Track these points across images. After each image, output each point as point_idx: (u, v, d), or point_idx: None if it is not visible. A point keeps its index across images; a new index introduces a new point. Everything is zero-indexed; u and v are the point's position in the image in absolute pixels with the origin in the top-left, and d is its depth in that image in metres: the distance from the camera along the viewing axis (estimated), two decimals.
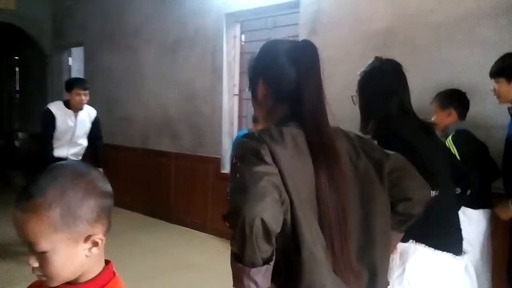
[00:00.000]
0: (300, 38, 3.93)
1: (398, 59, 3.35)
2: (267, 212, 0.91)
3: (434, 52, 3.20)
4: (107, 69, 6.20)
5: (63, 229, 0.81)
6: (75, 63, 7.53)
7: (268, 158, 1.00)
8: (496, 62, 2.39)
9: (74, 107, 4.00)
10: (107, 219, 0.89)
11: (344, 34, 3.68)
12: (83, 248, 0.85)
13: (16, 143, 7.31)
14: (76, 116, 4.03)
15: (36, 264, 0.83)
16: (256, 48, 4.61)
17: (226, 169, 4.76)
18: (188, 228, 5.04)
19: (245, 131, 4.49)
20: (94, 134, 4.22)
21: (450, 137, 2.49)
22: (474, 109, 2.75)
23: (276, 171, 0.99)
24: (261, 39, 4.56)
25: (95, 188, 0.86)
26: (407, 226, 1.28)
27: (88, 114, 4.16)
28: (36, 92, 7.77)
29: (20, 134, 7.75)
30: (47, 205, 0.80)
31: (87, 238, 0.85)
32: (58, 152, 3.95)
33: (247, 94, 4.49)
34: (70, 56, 7.46)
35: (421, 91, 3.29)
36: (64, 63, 7.45)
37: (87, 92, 4.02)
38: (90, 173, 0.88)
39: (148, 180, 5.58)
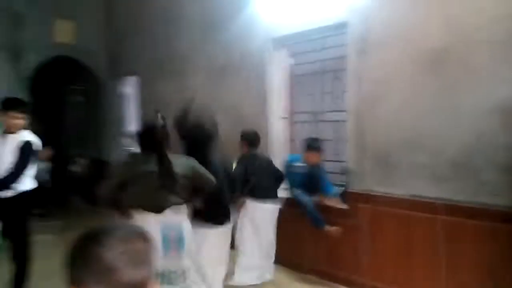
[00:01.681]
0: (349, 59, 3.87)
1: (452, 79, 3.22)
2: None
3: (491, 70, 3.01)
4: (159, 95, 6.41)
5: None
6: (130, 91, 7.87)
7: None
8: None
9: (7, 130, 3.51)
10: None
11: (394, 54, 3.56)
12: None
13: (75, 168, 7.66)
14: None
15: None
16: (303, 71, 4.59)
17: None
18: None
19: (295, 155, 4.42)
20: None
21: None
22: None
23: None
24: (309, 61, 4.54)
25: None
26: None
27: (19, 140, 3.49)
28: (95, 120, 8.16)
29: (79, 160, 8.11)
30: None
31: None
32: None
33: (296, 117, 4.45)
34: (125, 85, 7.80)
35: (476, 111, 3.11)
36: (119, 91, 7.80)
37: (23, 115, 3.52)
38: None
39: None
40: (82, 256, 0.87)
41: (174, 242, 2.53)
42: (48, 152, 5.12)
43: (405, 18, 3.49)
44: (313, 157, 4.11)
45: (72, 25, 7.35)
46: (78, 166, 7.54)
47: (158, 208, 2.50)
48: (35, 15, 6.98)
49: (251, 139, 4.20)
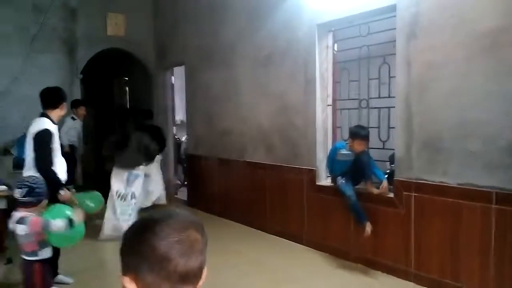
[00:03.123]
0: (398, 44, 3.76)
1: (508, 61, 3.05)
2: None
3: None
4: (206, 85, 6.53)
5: None
6: (177, 81, 8.07)
7: None
8: None
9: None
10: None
11: (447, 37, 3.42)
12: None
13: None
14: None
15: None
16: (348, 56, 4.53)
17: (321, 180, 4.69)
18: (285, 239, 5.04)
19: (342, 143, 4.38)
20: None
21: None
22: None
23: None
24: (354, 46, 4.46)
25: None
26: None
27: None
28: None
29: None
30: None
31: None
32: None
33: (341, 104, 4.42)
34: (173, 75, 8.01)
35: None
36: (168, 81, 8.02)
37: None
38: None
39: (245, 191, 5.72)
40: (136, 245, 0.87)
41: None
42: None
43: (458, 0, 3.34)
44: (359, 145, 4.06)
45: (123, 18, 7.61)
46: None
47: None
48: (88, 9, 7.30)
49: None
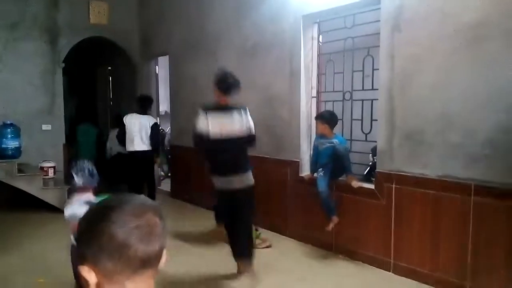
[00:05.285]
0: (382, 36, 3.78)
1: (494, 53, 3.09)
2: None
3: None
4: (191, 75, 6.47)
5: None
6: (161, 71, 7.98)
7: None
8: None
9: None
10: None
11: (430, 30, 3.45)
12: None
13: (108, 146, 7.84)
14: None
15: None
16: (333, 48, 4.52)
17: (304, 172, 4.71)
18: (268, 231, 5.05)
19: (323, 136, 4.38)
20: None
21: None
22: None
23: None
24: (339, 38, 4.46)
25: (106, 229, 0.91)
26: None
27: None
28: (127, 99, 8.34)
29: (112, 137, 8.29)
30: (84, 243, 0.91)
31: None
32: None
33: (325, 96, 4.42)
34: (157, 65, 7.91)
35: None
36: (152, 71, 7.92)
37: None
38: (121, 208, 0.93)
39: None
40: (93, 234, 0.85)
41: None
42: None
43: None
44: (320, 128, 4.24)
45: (106, 7, 7.48)
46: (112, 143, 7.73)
47: None
48: None
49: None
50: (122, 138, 5.64)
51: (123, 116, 5.75)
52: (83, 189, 2.72)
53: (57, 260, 3.71)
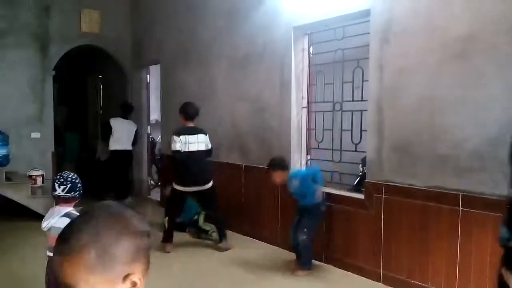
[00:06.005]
0: (371, 48, 3.83)
1: (477, 68, 3.15)
2: None
3: None
4: (181, 84, 6.48)
5: (99, 271, 0.82)
6: (152, 80, 7.98)
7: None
8: None
9: None
10: (145, 258, 0.88)
11: (419, 43, 3.51)
12: None
13: (99, 156, 7.84)
14: None
15: None
16: (324, 59, 4.59)
17: None
18: (258, 241, 5.05)
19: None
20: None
21: None
22: None
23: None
24: (329, 50, 4.52)
25: (130, 227, 0.87)
26: None
27: None
28: (117, 107, 8.31)
29: (103, 147, 8.25)
30: (83, 246, 0.81)
31: (124, 279, 0.84)
32: None
33: (316, 106, 4.46)
34: (148, 74, 7.91)
35: (501, 102, 3.04)
36: (143, 80, 7.91)
37: None
38: (126, 213, 0.89)
39: (220, 191, 5.68)
40: (118, 244, 0.85)
41: None
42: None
43: (430, 6, 3.43)
44: (277, 177, 4.18)
45: (98, 15, 7.48)
46: (102, 153, 7.69)
47: None
48: (62, 5, 7.13)
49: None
50: (107, 137, 7.08)
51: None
52: (64, 201, 2.66)
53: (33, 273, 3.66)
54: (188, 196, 4.82)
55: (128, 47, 7.90)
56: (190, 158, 4.64)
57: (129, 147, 7.16)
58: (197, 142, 4.73)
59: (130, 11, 7.87)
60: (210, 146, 4.90)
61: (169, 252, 4.72)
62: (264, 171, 4.40)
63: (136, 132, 7.24)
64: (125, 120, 7.18)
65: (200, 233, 5.35)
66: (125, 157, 7.16)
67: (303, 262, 4.13)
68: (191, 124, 4.80)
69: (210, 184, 4.79)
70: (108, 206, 0.90)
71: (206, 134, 4.87)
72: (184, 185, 4.70)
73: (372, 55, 3.85)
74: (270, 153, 4.93)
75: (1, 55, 6.60)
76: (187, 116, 4.78)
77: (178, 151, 4.61)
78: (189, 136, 4.69)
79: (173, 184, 4.77)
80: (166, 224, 4.90)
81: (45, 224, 2.63)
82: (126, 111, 7.30)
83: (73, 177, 2.71)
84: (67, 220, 2.57)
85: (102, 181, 7.24)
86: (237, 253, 4.70)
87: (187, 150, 4.63)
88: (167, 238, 4.83)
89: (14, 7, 6.69)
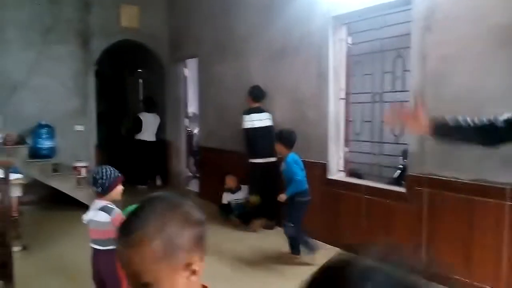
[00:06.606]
0: (413, 37, 3.72)
1: None
2: None
3: None
4: (218, 78, 6.53)
5: (164, 260, 0.85)
6: (190, 73, 8.09)
7: None
8: None
9: None
10: (202, 246, 0.91)
11: (463, 31, 3.37)
12: (182, 277, 0.87)
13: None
14: None
15: None
16: (362, 49, 4.49)
17: (332, 175, 4.67)
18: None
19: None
20: None
21: None
22: None
23: None
24: (368, 40, 4.41)
25: (191, 217, 0.90)
26: None
27: None
28: (157, 100, 8.51)
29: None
30: (149, 237, 0.84)
31: (186, 267, 0.87)
32: None
33: (354, 98, 4.40)
34: (186, 67, 8.03)
35: None
36: (180, 74, 8.04)
37: None
38: (184, 204, 0.92)
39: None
40: (182, 232, 0.91)
41: None
42: None
43: None
44: (278, 149, 4.33)
45: (137, 10, 7.63)
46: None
47: None
48: (102, 1, 7.33)
49: None
50: (139, 130, 7.86)
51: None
52: (99, 195, 2.72)
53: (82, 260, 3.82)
54: (260, 170, 5.26)
55: (165, 42, 8.03)
56: (258, 133, 5.22)
57: (153, 138, 7.92)
58: (263, 119, 5.28)
59: (167, 6, 7.99)
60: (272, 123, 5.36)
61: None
62: None
63: (160, 124, 7.98)
64: (151, 114, 7.97)
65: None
66: (150, 146, 7.90)
67: (292, 252, 4.23)
68: (257, 105, 5.33)
69: (275, 158, 5.16)
70: (167, 198, 0.94)
71: (269, 113, 5.36)
72: (257, 157, 5.25)
73: (414, 44, 3.73)
74: (307, 145, 4.90)
75: (46, 50, 6.86)
76: (254, 98, 5.34)
77: (247, 128, 5.25)
78: (256, 115, 5.27)
79: (249, 159, 5.31)
80: (256, 200, 5.29)
81: (85, 217, 2.73)
82: (150, 105, 8.08)
83: (99, 173, 2.73)
84: (103, 214, 2.66)
85: (133, 168, 7.66)
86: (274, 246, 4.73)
87: (255, 126, 5.22)
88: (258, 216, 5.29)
89: (57, 3, 6.93)
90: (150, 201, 0.92)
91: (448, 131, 1.86)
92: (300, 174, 4.11)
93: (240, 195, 5.74)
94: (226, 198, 5.81)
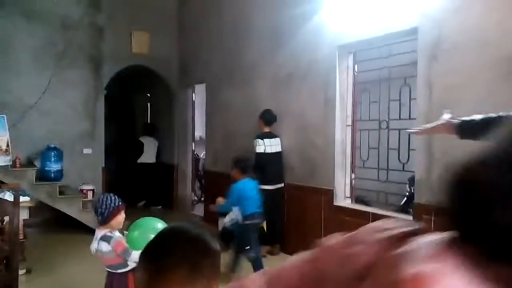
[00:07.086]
0: (419, 66, 3.76)
1: None
2: None
3: None
4: (226, 103, 6.61)
5: (188, 286, 0.90)
6: (198, 98, 8.19)
7: None
8: None
9: None
10: (218, 274, 0.98)
11: (468, 61, 3.41)
12: None
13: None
14: None
15: None
16: (369, 77, 4.54)
17: (338, 201, 4.66)
18: None
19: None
20: None
21: None
22: None
23: None
24: (374, 68, 4.47)
25: (210, 248, 0.98)
26: None
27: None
28: (164, 125, 8.59)
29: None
30: (176, 265, 0.91)
31: None
32: None
33: (361, 124, 4.41)
34: (194, 92, 8.13)
35: None
36: (189, 99, 8.14)
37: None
38: (203, 235, 1.00)
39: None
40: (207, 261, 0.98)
41: None
42: None
43: (480, 23, 3.34)
44: (234, 174, 4.43)
45: (147, 36, 7.80)
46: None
47: None
48: (115, 27, 7.51)
49: None
50: (141, 153, 8.37)
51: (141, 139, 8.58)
52: (100, 224, 2.73)
53: (87, 283, 3.80)
54: (270, 196, 4.98)
55: (175, 67, 8.17)
56: (270, 158, 5.20)
57: (153, 160, 8.52)
58: (276, 145, 5.29)
59: (177, 32, 8.16)
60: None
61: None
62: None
63: (158, 147, 8.59)
64: (150, 138, 8.59)
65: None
66: (150, 168, 8.44)
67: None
68: (268, 129, 5.33)
69: (283, 184, 5.28)
70: (187, 229, 1.01)
71: (279, 138, 5.37)
72: (268, 184, 5.05)
73: (420, 72, 3.78)
74: (314, 172, 4.91)
75: (58, 74, 6.99)
76: (266, 122, 5.34)
77: (260, 153, 5.17)
78: (268, 140, 5.26)
79: (261, 185, 4.78)
80: (265, 228, 5.01)
81: (91, 248, 2.74)
82: (150, 130, 8.74)
83: (99, 202, 2.74)
84: (104, 244, 2.67)
85: (134, 190, 8.33)
86: None
87: (269, 152, 5.20)
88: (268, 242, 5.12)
89: (71, 30, 7.10)
90: (172, 231, 1.01)
91: (474, 126, 1.87)
92: (232, 204, 4.36)
93: (232, 215, 5.55)
94: (221, 224, 5.60)
